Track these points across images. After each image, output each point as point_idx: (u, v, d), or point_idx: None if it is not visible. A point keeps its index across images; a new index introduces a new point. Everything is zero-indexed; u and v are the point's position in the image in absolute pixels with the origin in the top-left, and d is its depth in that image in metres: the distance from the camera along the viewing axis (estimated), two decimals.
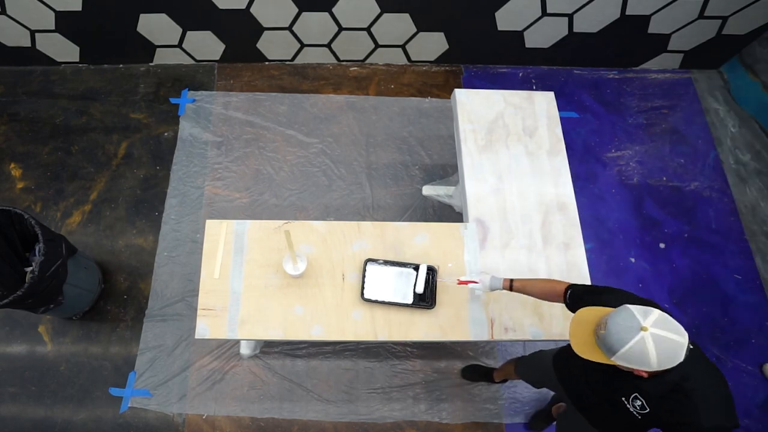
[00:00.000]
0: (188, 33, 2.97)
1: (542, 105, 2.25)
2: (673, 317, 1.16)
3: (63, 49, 3.05)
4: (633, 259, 2.80)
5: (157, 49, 3.10)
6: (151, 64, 3.21)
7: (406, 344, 2.56)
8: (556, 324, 1.85)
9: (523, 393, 2.47)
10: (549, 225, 2.01)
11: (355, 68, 3.27)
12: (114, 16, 2.80)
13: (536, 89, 3.18)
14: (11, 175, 2.88)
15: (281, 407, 2.41)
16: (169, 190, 2.86)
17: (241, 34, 3.00)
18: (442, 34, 3.04)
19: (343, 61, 3.27)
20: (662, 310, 1.17)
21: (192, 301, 2.58)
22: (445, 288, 1.87)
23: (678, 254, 2.82)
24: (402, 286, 1.84)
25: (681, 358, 1.11)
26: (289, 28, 2.96)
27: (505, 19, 2.92)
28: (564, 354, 1.67)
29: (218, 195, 2.85)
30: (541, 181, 2.09)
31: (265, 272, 1.86)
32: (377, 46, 3.13)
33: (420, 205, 2.86)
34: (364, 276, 1.85)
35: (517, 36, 3.05)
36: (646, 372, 1.17)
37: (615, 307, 1.21)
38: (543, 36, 3.06)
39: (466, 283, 1.75)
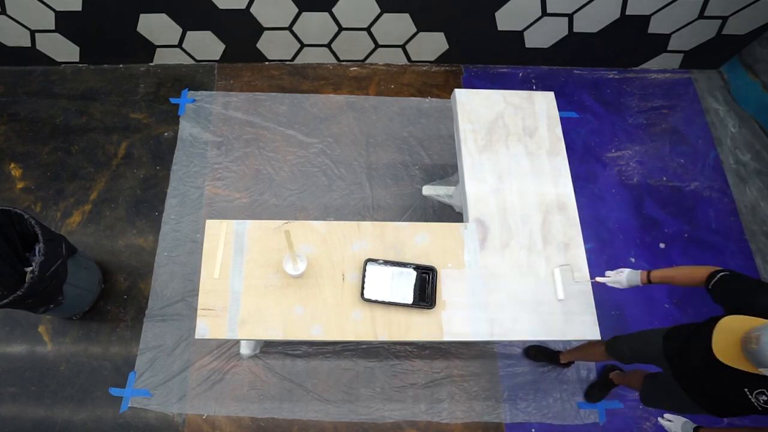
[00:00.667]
0: (188, 33, 2.97)
1: (542, 105, 2.25)
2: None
3: (63, 49, 3.05)
4: (633, 259, 2.80)
5: (157, 49, 3.10)
6: (151, 64, 3.21)
7: (406, 344, 2.56)
8: (556, 324, 1.85)
9: (523, 393, 2.48)
10: (549, 225, 2.01)
11: (355, 68, 3.27)
12: (114, 16, 2.80)
13: (536, 89, 3.18)
14: (11, 175, 2.88)
15: (281, 407, 2.41)
16: (169, 190, 2.86)
17: (241, 34, 3.00)
18: (442, 34, 3.04)
19: (343, 61, 3.27)
20: None
21: (192, 301, 2.58)
22: (445, 288, 1.87)
23: (678, 254, 2.82)
24: (402, 286, 1.84)
25: None
26: (289, 28, 2.96)
27: (505, 19, 2.92)
28: (681, 336, 1.68)
29: (218, 195, 2.85)
30: (541, 181, 2.09)
31: (265, 272, 1.86)
32: (377, 46, 3.13)
33: (420, 205, 2.86)
34: (364, 276, 1.85)
35: (517, 36, 3.05)
36: None
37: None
38: (543, 36, 3.06)
39: (600, 282, 1.81)
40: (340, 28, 2.97)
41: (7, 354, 2.49)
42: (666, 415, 1.75)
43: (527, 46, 3.13)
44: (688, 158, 3.08)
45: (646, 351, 1.87)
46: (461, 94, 2.25)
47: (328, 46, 3.12)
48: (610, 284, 1.79)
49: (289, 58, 3.24)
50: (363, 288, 1.83)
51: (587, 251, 2.01)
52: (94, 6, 2.72)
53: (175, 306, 2.58)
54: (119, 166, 2.92)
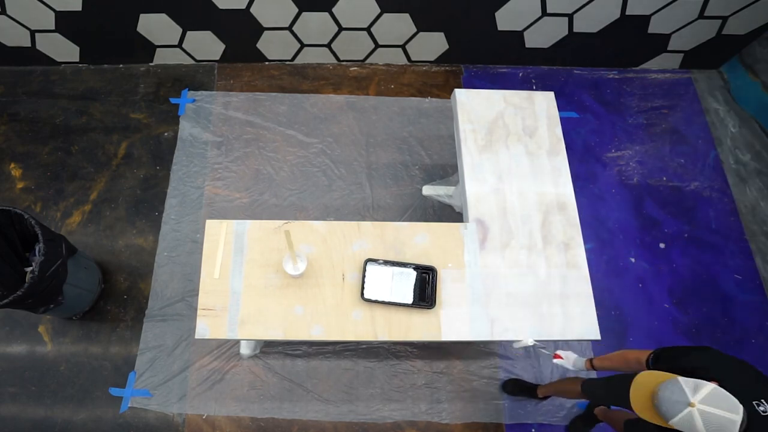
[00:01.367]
0: (188, 33, 2.97)
1: (542, 105, 2.25)
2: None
3: (63, 49, 3.05)
4: (633, 259, 2.80)
5: (157, 49, 3.10)
6: (151, 64, 3.21)
7: (406, 344, 2.56)
8: (556, 324, 1.85)
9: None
10: (549, 225, 2.01)
11: (355, 68, 3.27)
12: (114, 16, 2.80)
13: (536, 89, 3.19)
14: (11, 175, 2.88)
15: (281, 407, 2.41)
16: (169, 190, 2.86)
17: (241, 34, 3.00)
18: (442, 34, 3.04)
19: (343, 61, 3.27)
20: (720, 385, 1.19)
21: (192, 301, 2.58)
22: (445, 288, 1.88)
23: (678, 254, 2.82)
24: (402, 286, 1.84)
25: None
26: (289, 28, 2.96)
27: (505, 19, 2.92)
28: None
29: (218, 195, 2.85)
30: (541, 181, 2.09)
31: (265, 272, 1.86)
32: (377, 46, 3.13)
33: (420, 205, 2.86)
34: (364, 276, 1.85)
35: (517, 36, 3.05)
36: None
37: (702, 366, 1.26)
38: (543, 36, 3.06)
39: (557, 356, 1.90)
40: (340, 28, 2.97)
41: (7, 354, 2.49)
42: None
43: (527, 46, 3.13)
44: (688, 158, 3.08)
45: (621, 396, 1.85)
46: (461, 94, 2.26)
47: (328, 46, 3.12)
48: (557, 362, 1.90)
49: (289, 58, 3.24)
50: (363, 288, 1.83)
51: (587, 251, 2.01)
52: (94, 6, 2.72)
53: (175, 306, 2.58)
54: (119, 166, 2.92)
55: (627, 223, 2.89)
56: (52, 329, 2.54)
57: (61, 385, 2.44)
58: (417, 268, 1.87)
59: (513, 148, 2.15)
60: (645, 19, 2.91)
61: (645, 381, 1.29)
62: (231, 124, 3.04)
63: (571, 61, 3.28)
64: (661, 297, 2.71)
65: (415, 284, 1.85)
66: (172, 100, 3.11)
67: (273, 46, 3.11)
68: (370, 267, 1.86)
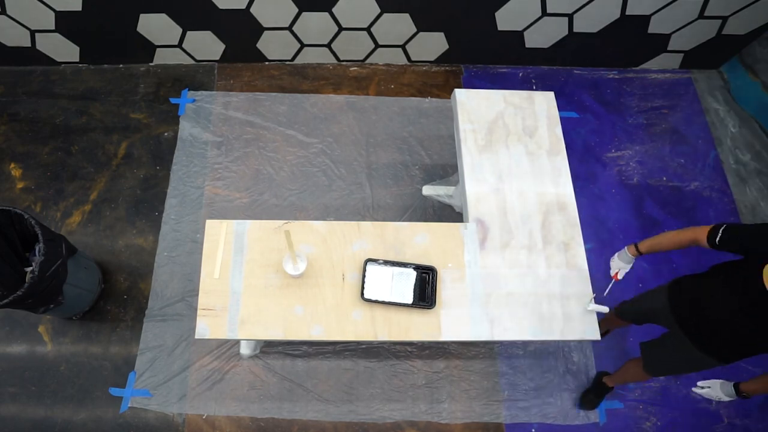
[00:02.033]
0: (188, 33, 2.97)
1: (542, 105, 2.25)
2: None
3: (63, 49, 3.05)
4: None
5: (157, 49, 3.10)
6: (151, 64, 3.21)
7: (406, 344, 2.56)
8: (556, 324, 1.85)
9: (523, 393, 2.48)
10: (549, 225, 2.01)
11: (355, 68, 3.27)
12: (114, 16, 2.80)
13: (536, 89, 3.19)
14: (11, 175, 2.88)
15: (281, 407, 2.41)
16: (169, 190, 2.86)
17: (241, 34, 3.00)
18: (442, 34, 3.04)
19: (343, 61, 3.27)
20: None
21: (192, 301, 2.58)
22: (445, 288, 1.87)
23: (678, 254, 2.82)
24: (402, 286, 1.84)
25: None
26: (289, 28, 2.96)
27: (505, 19, 2.92)
28: (689, 292, 1.77)
29: (218, 195, 2.85)
30: (541, 181, 2.09)
31: (265, 272, 1.86)
32: (377, 46, 3.13)
33: (420, 205, 2.86)
34: (364, 276, 1.85)
35: (517, 36, 3.05)
36: None
37: None
38: (543, 36, 3.06)
39: (615, 277, 1.93)
40: (340, 28, 2.97)
41: (7, 354, 2.49)
42: (700, 383, 1.81)
43: (527, 46, 3.13)
44: (688, 158, 3.08)
45: (651, 309, 1.96)
46: (461, 94, 2.26)
47: (328, 46, 3.12)
48: (615, 270, 1.93)
49: (289, 58, 3.24)
50: (363, 288, 1.83)
51: (587, 251, 2.01)
52: (94, 6, 2.72)
53: (175, 306, 2.58)
54: (119, 166, 2.92)
55: (627, 223, 2.89)
56: (52, 329, 2.54)
57: (61, 385, 2.44)
58: (417, 268, 1.87)
59: (513, 148, 2.15)
60: (645, 19, 2.91)
61: None
62: (231, 124, 3.04)
63: (571, 61, 3.28)
64: None
65: (415, 284, 1.85)
66: (172, 100, 3.11)
67: (273, 46, 3.11)
68: (370, 267, 1.86)
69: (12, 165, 2.90)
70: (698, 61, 3.27)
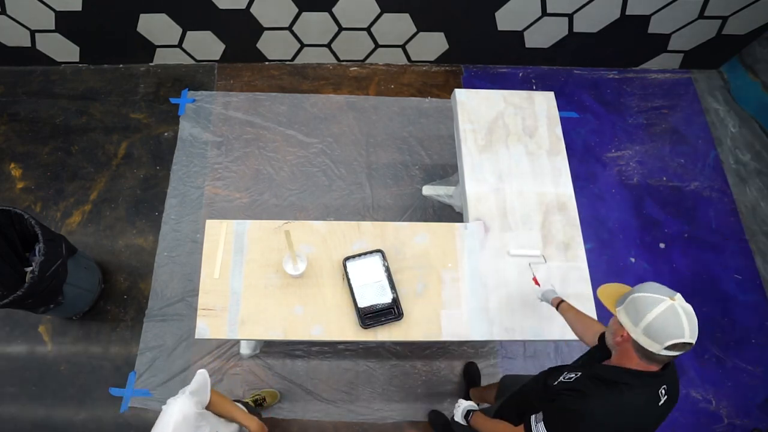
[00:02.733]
0: (188, 33, 2.97)
1: (542, 105, 2.25)
2: None
3: (63, 49, 3.05)
4: (633, 259, 2.80)
5: (157, 49, 3.10)
6: (151, 64, 3.21)
7: (406, 344, 2.56)
8: (555, 324, 1.84)
9: None
10: (549, 225, 2.01)
11: (355, 68, 3.27)
12: (114, 16, 2.80)
13: (536, 89, 3.19)
14: (11, 175, 2.88)
15: (281, 407, 2.41)
16: (169, 190, 2.86)
17: (241, 34, 3.00)
18: (442, 34, 3.04)
19: (343, 61, 3.27)
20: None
21: (192, 301, 2.58)
22: (445, 288, 1.88)
23: (678, 254, 2.82)
24: (376, 291, 1.83)
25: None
26: (289, 28, 2.96)
27: (505, 19, 2.92)
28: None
29: (218, 195, 2.85)
30: (541, 181, 2.09)
31: (265, 272, 1.86)
32: (377, 46, 3.13)
33: (420, 205, 2.86)
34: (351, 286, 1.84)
35: (517, 36, 3.05)
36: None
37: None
38: (543, 36, 3.06)
39: (535, 281, 1.85)
40: (340, 28, 2.97)
41: (7, 354, 2.49)
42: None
43: (527, 46, 3.13)
44: (688, 158, 3.08)
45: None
46: (461, 94, 2.26)
47: (328, 46, 3.12)
48: (533, 287, 1.86)
49: (289, 58, 3.24)
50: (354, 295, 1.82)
51: (587, 251, 2.01)
52: (94, 6, 2.72)
53: (175, 306, 2.58)
54: (119, 166, 2.92)
55: (627, 223, 2.89)
56: (52, 329, 2.54)
57: (61, 385, 2.44)
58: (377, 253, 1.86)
59: (513, 148, 2.15)
60: (645, 19, 2.91)
61: (609, 291, 1.28)
62: (231, 124, 3.04)
63: (571, 61, 3.28)
64: None
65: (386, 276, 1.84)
66: (172, 100, 3.11)
67: (273, 46, 3.11)
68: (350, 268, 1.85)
69: (12, 165, 2.90)
70: (698, 61, 3.27)
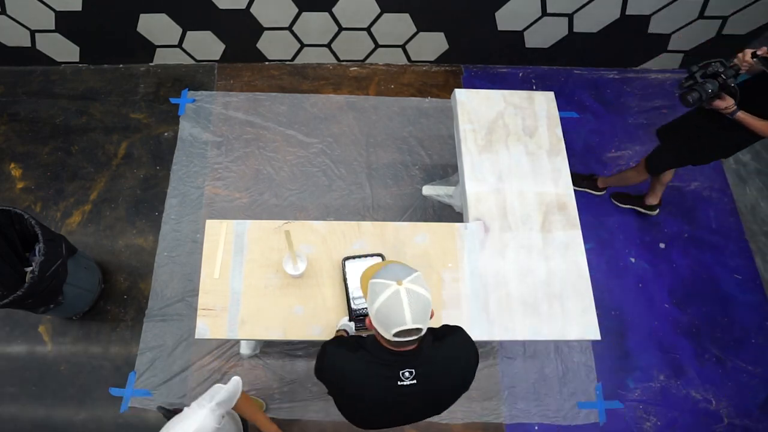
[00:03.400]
0: (188, 33, 2.97)
1: (542, 105, 2.25)
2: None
3: (63, 49, 3.05)
4: (633, 259, 2.80)
5: (157, 49, 3.10)
6: (151, 64, 3.21)
7: None
8: (556, 324, 1.85)
9: (523, 393, 2.48)
10: (549, 225, 2.01)
11: (355, 68, 3.27)
12: (114, 16, 2.80)
13: (536, 89, 3.18)
14: (11, 175, 2.88)
15: (281, 407, 2.41)
16: (169, 190, 2.86)
17: (241, 34, 3.00)
18: (442, 34, 3.04)
19: (343, 61, 3.27)
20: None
21: (192, 301, 2.58)
22: (445, 288, 1.87)
23: (678, 254, 2.82)
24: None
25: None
26: (289, 28, 2.96)
27: (505, 19, 2.92)
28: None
29: (218, 195, 2.85)
30: (541, 181, 2.09)
31: (265, 272, 1.86)
32: (377, 46, 3.13)
33: (420, 205, 2.86)
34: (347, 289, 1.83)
35: (517, 36, 3.05)
36: None
37: None
38: (543, 36, 3.06)
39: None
40: (340, 28, 2.97)
41: (7, 354, 2.49)
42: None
43: (527, 46, 3.13)
44: None
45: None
46: (461, 94, 2.26)
47: (328, 46, 3.12)
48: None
49: (289, 58, 3.24)
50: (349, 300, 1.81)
51: (587, 251, 2.01)
52: (94, 6, 2.72)
53: (175, 306, 2.58)
54: (119, 166, 2.92)
55: (627, 223, 2.89)
56: (52, 329, 2.54)
57: (61, 385, 2.44)
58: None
59: (513, 148, 2.15)
60: (645, 19, 2.91)
61: (368, 272, 1.28)
62: (231, 124, 3.04)
63: (571, 61, 3.28)
64: (661, 297, 2.71)
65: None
66: (172, 100, 3.11)
67: (273, 46, 3.11)
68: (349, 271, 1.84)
69: (12, 165, 2.90)
70: (698, 61, 3.26)
